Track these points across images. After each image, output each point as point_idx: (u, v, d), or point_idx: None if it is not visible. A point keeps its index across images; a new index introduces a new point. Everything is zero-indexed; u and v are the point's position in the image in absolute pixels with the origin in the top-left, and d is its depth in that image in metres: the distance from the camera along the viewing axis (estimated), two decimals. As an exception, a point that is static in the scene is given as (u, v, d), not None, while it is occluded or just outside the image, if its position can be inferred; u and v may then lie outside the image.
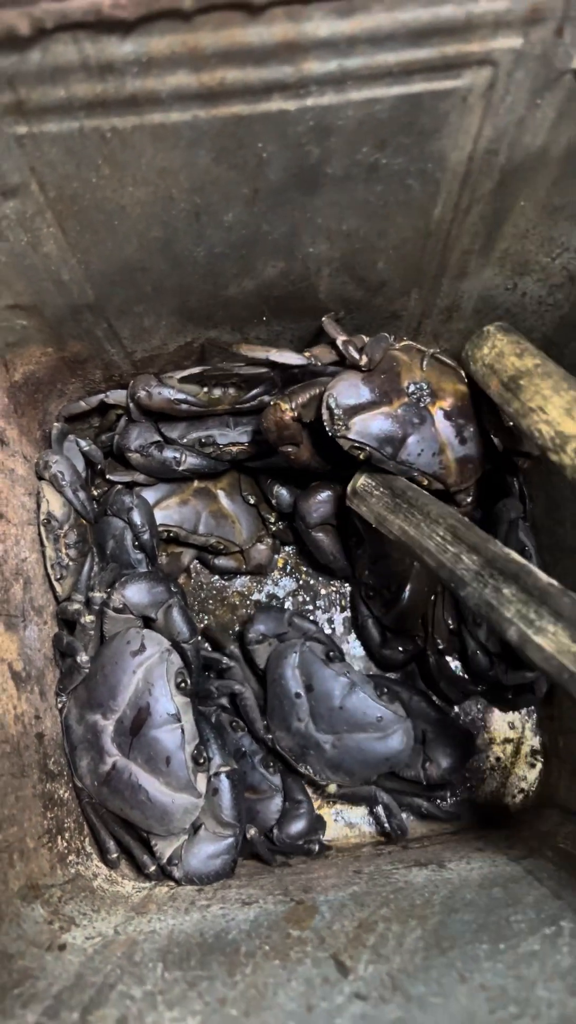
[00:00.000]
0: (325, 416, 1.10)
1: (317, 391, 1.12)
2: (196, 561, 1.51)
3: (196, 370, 1.26)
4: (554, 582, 0.83)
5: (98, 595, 1.25)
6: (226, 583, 1.53)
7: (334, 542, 1.40)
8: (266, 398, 1.29)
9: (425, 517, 1.03)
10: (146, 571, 1.33)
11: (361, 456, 1.12)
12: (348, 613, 1.51)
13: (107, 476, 1.40)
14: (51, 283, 0.97)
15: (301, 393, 1.12)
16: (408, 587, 1.33)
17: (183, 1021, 0.71)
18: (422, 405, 1.17)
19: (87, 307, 1.03)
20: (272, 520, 1.46)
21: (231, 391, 1.28)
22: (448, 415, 1.18)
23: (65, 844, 1.16)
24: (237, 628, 1.49)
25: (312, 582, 1.52)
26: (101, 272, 0.96)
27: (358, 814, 1.41)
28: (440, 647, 1.37)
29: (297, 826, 1.27)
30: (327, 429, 1.10)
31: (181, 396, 1.26)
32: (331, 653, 1.31)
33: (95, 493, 1.41)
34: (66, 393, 1.28)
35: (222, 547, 1.43)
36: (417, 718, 1.31)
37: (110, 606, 1.25)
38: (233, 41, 0.66)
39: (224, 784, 1.21)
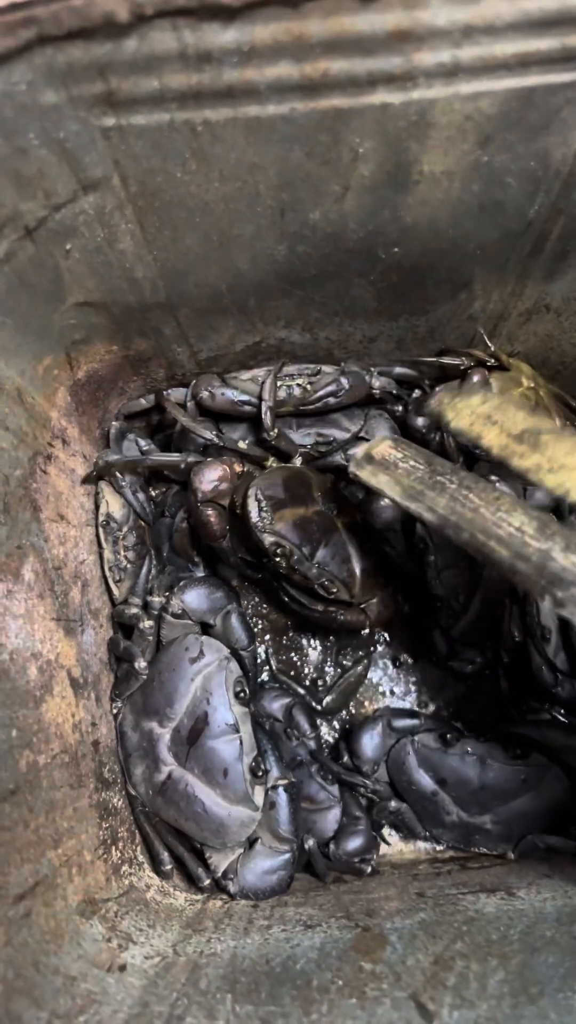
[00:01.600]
0: (251, 508, 1.12)
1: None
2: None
3: (261, 371, 1.23)
4: None
5: (157, 599, 1.22)
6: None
7: (399, 543, 1.36)
8: (332, 400, 1.24)
9: (487, 501, 0.83)
10: (205, 576, 1.30)
11: (279, 551, 1.13)
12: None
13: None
14: (124, 280, 0.93)
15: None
16: (476, 598, 1.29)
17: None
18: (330, 515, 1.24)
19: (158, 305, 0.99)
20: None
21: (296, 392, 1.23)
22: (349, 528, 1.26)
23: (119, 854, 1.14)
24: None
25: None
26: (176, 270, 0.92)
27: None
28: (505, 660, 1.32)
29: (355, 843, 1.23)
30: (251, 521, 1.13)
31: (245, 397, 1.22)
32: (447, 736, 1.26)
33: (154, 494, 1.37)
34: (127, 392, 1.25)
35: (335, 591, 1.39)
36: (561, 753, 1.26)
37: (169, 611, 1.22)
38: (342, 29, 0.62)
39: (282, 798, 1.18)
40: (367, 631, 1.33)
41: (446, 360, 1.22)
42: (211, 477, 1.15)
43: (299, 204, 0.82)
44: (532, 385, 1.23)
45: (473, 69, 0.67)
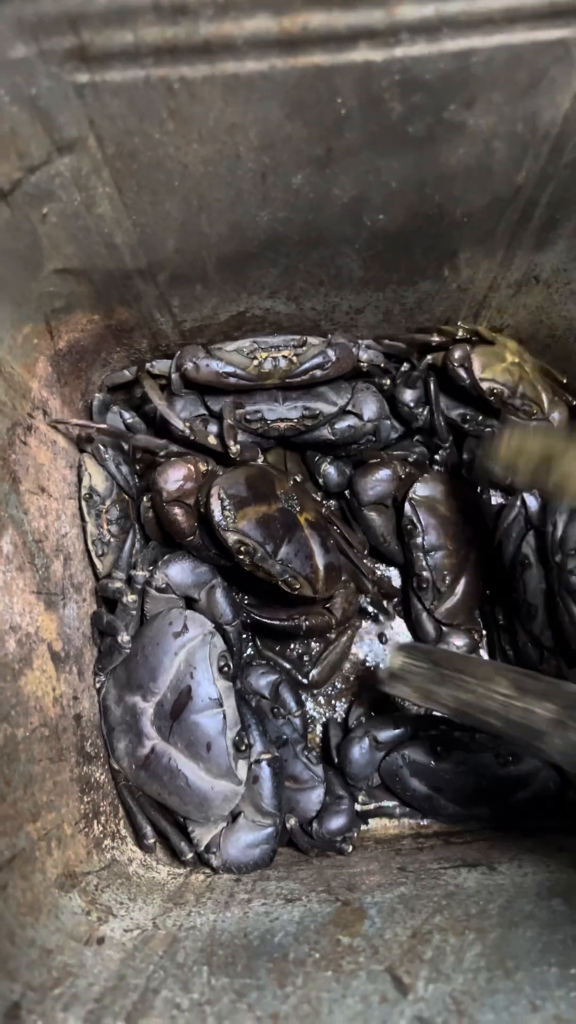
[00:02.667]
0: (215, 507, 1.12)
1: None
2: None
3: (246, 342, 1.21)
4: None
5: (140, 574, 1.21)
6: (267, 562, 1.48)
7: (387, 524, 1.35)
8: (318, 373, 1.23)
9: (479, 680, 0.95)
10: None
11: (242, 548, 1.13)
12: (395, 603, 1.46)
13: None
14: (103, 246, 0.91)
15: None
16: (463, 579, 1.28)
17: (235, 1039, 0.67)
18: (293, 512, 1.23)
19: (138, 272, 0.97)
20: (319, 499, 1.41)
21: (282, 364, 1.21)
22: (312, 525, 1.24)
23: (101, 828, 1.13)
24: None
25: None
26: (156, 235, 0.90)
27: (398, 803, 1.37)
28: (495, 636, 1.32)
29: (338, 822, 1.23)
30: (214, 520, 1.12)
31: (230, 369, 1.20)
32: (438, 749, 1.25)
33: (138, 468, 1.35)
34: (110, 363, 1.23)
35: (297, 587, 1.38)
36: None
37: (152, 585, 1.20)
38: (322, -20, 0.60)
39: (265, 772, 1.17)
40: (333, 632, 1.34)
41: (420, 337, 1.23)
42: (175, 477, 1.15)
43: (281, 167, 0.80)
44: (517, 360, 1.23)
45: (458, 24, 0.65)
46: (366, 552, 1.39)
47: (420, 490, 1.31)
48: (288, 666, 1.41)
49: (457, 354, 1.23)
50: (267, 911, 0.97)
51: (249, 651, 1.43)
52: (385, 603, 1.43)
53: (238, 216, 0.88)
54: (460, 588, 1.29)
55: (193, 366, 1.21)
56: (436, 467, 1.40)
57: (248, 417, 1.27)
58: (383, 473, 1.33)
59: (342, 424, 1.30)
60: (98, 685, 1.22)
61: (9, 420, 1.01)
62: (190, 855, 1.16)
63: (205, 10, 0.62)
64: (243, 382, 1.22)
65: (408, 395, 1.28)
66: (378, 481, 1.34)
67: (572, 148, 0.81)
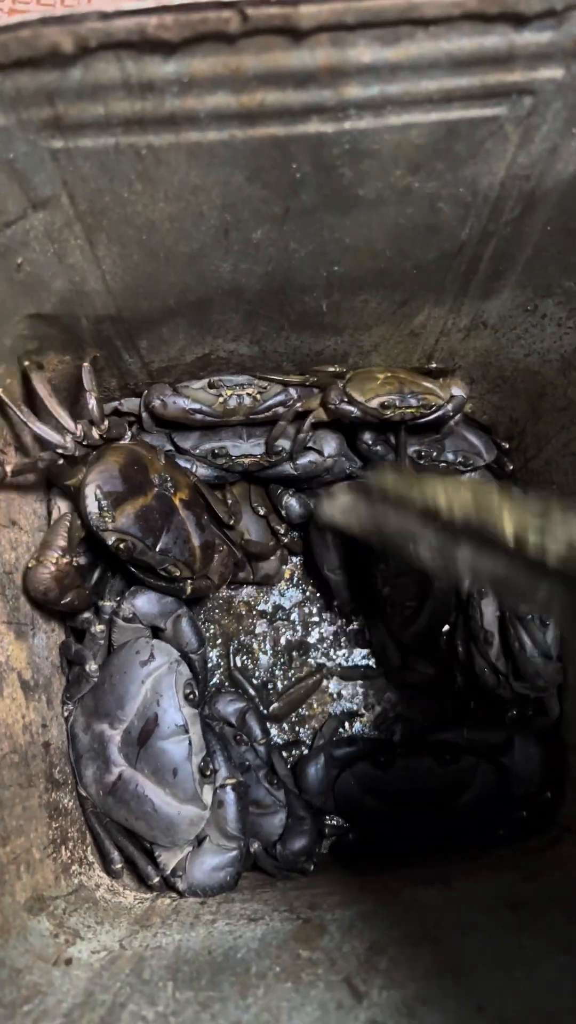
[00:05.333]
0: (91, 507, 1.09)
1: (66, 523, 1.16)
2: (203, 570, 1.51)
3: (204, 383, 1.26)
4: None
5: (108, 604, 1.25)
6: (232, 592, 1.52)
7: (341, 549, 1.40)
8: (280, 410, 1.28)
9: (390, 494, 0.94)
10: (156, 581, 1.33)
11: (121, 546, 1.12)
12: (355, 626, 1.51)
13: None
14: (74, 294, 0.96)
15: (57, 534, 1.14)
16: (426, 607, 1.33)
17: (198, 1045, 0.71)
18: (167, 496, 1.22)
19: (108, 317, 1.03)
20: (282, 531, 1.46)
21: (246, 401, 1.27)
22: (186, 505, 1.25)
23: (69, 854, 1.16)
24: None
25: (319, 593, 1.52)
26: (126, 284, 0.96)
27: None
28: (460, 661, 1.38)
29: (300, 842, 1.27)
30: (91, 523, 1.10)
31: (196, 406, 1.26)
32: (382, 759, 1.30)
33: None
34: (79, 400, 1.28)
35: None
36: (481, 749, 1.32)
37: (120, 615, 1.24)
38: (276, 64, 0.66)
39: (229, 796, 1.21)
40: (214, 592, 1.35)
41: (294, 379, 1.29)
42: (39, 588, 1.12)
43: (242, 224, 0.86)
44: (388, 374, 1.27)
45: (401, 103, 0.71)
46: (232, 521, 1.40)
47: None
48: (254, 694, 1.45)
49: (332, 394, 1.26)
50: (231, 930, 1.01)
51: (216, 679, 1.47)
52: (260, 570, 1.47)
53: (202, 267, 0.94)
54: (424, 617, 1.34)
55: (160, 403, 1.26)
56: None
57: (215, 452, 1.32)
58: (345, 499, 1.38)
59: (303, 460, 1.35)
60: (66, 713, 1.25)
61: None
62: (156, 879, 1.19)
63: (170, 87, 0.68)
64: (209, 418, 1.28)
65: (367, 434, 1.34)
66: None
67: (510, 209, 0.88)
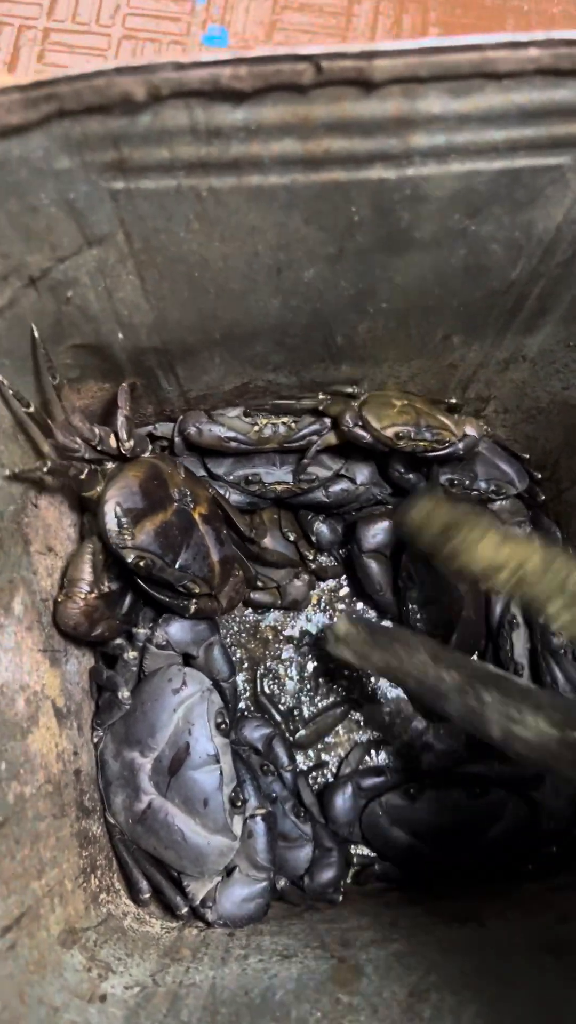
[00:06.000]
0: (111, 524, 1.08)
1: (89, 553, 1.15)
2: (231, 593, 1.51)
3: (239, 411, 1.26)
4: (531, 684, 0.94)
5: (142, 631, 1.25)
6: (259, 617, 1.52)
7: (384, 573, 1.40)
8: (315, 439, 1.28)
9: (404, 647, 1.07)
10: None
11: (141, 564, 1.11)
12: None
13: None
14: (121, 327, 0.96)
15: (82, 566, 1.14)
16: (455, 635, 1.33)
17: None
18: (187, 511, 1.20)
19: (152, 349, 1.03)
20: (311, 556, 1.46)
21: (281, 430, 1.27)
22: (206, 519, 1.23)
23: (97, 882, 1.15)
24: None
25: (367, 612, 1.52)
26: (172, 318, 0.96)
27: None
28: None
29: (328, 874, 1.26)
30: (111, 540, 1.08)
31: (231, 434, 1.25)
32: (411, 791, 1.29)
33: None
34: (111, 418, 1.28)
35: (260, 582, 1.43)
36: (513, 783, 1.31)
37: (153, 642, 1.24)
38: (345, 113, 0.66)
39: (259, 827, 1.20)
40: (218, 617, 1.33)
41: (307, 403, 1.26)
42: (69, 623, 1.13)
43: (295, 263, 0.86)
44: (406, 401, 1.25)
45: (465, 151, 0.71)
46: (254, 534, 1.38)
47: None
48: (280, 720, 1.44)
49: (348, 417, 1.23)
50: (264, 968, 1.00)
51: (243, 704, 1.46)
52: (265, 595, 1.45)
53: (251, 303, 0.94)
54: (452, 645, 1.34)
55: (196, 431, 1.25)
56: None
57: (248, 479, 1.32)
58: (385, 523, 1.39)
59: (336, 488, 1.35)
60: (95, 740, 1.24)
61: (24, 485, 1.04)
62: (185, 909, 1.18)
63: (237, 134, 0.68)
64: (243, 446, 1.28)
65: (399, 463, 1.33)
66: (380, 530, 1.39)
67: (563, 251, 0.88)
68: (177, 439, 1.29)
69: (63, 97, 0.62)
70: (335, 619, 1.35)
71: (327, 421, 1.28)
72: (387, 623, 1.47)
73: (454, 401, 1.29)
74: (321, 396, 1.26)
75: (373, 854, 1.36)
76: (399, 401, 1.25)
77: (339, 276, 0.89)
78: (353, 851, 1.36)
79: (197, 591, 1.20)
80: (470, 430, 1.30)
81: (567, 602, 0.82)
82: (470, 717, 0.92)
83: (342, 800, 1.32)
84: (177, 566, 1.16)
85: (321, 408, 1.27)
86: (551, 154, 0.72)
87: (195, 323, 0.97)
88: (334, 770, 1.45)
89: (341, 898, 1.26)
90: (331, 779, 1.44)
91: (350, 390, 1.25)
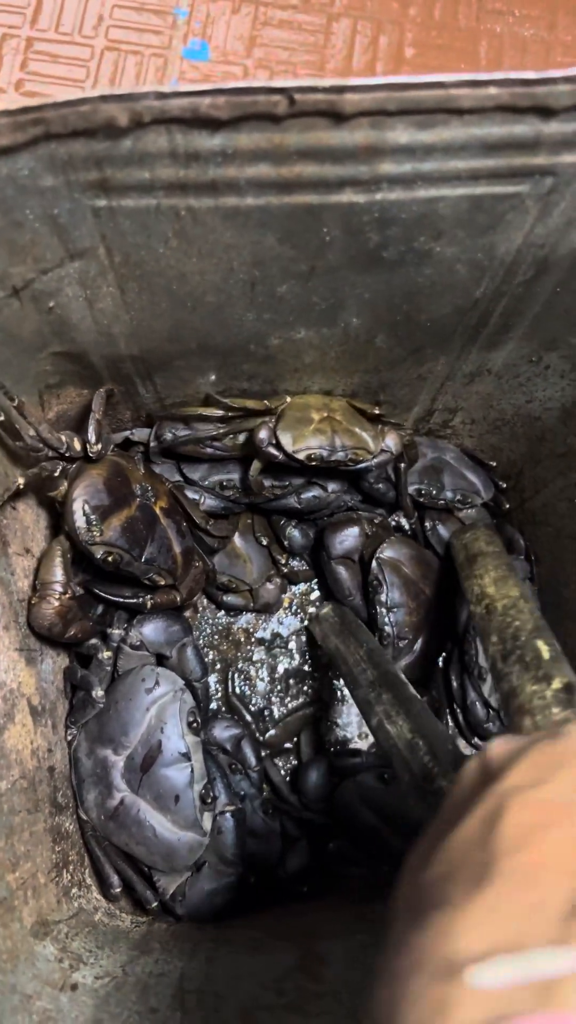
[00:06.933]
0: (79, 522, 1.10)
1: (58, 554, 1.16)
2: (203, 596, 1.54)
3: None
4: (416, 694, 1.12)
5: (116, 632, 1.27)
6: (232, 619, 1.55)
7: (352, 578, 1.44)
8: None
9: (355, 640, 1.29)
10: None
11: (110, 559, 1.13)
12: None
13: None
14: (100, 335, 0.99)
15: (53, 567, 1.15)
16: (421, 639, 1.37)
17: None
18: (149, 506, 1.23)
19: (131, 357, 1.06)
20: (283, 561, 1.49)
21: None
22: (166, 513, 1.26)
23: (69, 877, 1.18)
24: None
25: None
26: (150, 328, 0.99)
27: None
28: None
29: (297, 862, 1.30)
30: (80, 538, 1.10)
31: (210, 436, 1.28)
32: (385, 775, 1.33)
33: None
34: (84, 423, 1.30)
35: (233, 585, 1.46)
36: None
37: (127, 643, 1.27)
38: (317, 142, 0.70)
39: (229, 823, 1.24)
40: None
41: (205, 410, 1.24)
42: (43, 624, 1.14)
43: (269, 279, 0.90)
44: (325, 415, 1.24)
45: (431, 179, 0.75)
46: (210, 524, 1.39)
47: (387, 551, 1.41)
48: (250, 720, 1.48)
49: (262, 435, 1.22)
50: (233, 958, 1.03)
51: (214, 704, 1.49)
52: (227, 580, 1.48)
53: (226, 316, 0.97)
54: (418, 647, 1.38)
55: (172, 436, 1.29)
56: (401, 532, 1.50)
57: (223, 484, 1.35)
58: (352, 530, 1.42)
59: (307, 495, 1.39)
60: (69, 738, 1.27)
61: (2, 487, 1.07)
62: (155, 903, 1.21)
63: (215, 158, 0.72)
64: (219, 452, 1.31)
65: (371, 473, 1.37)
66: (347, 536, 1.43)
67: (523, 272, 0.92)
68: (153, 444, 1.32)
69: (50, 121, 0.65)
70: (322, 606, 1.47)
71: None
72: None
73: (377, 412, 1.28)
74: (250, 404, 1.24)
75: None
76: (317, 415, 1.24)
77: (311, 292, 0.93)
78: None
79: (162, 583, 1.23)
80: (390, 442, 1.30)
81: (498, 645, 0.98)
82: (364, 705, 1.12)
83: (316, 775, 1.36)
84: (143, 559, 1.18)
85: (235, 425, 1.25)
86: (511, 183, 0.77)
87: (172, 333, 1.00)
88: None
89: (305, 889, 1.29)
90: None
91: (265, 405, 1.24)
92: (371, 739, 1.47)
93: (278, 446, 1.22)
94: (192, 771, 1.19)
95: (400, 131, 0.69)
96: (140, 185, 0.75)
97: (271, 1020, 0.82)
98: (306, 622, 1.46)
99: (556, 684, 0.84)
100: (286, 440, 1.21)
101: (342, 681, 1.48)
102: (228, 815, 1.24)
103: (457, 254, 0.88)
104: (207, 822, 1.21)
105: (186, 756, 1.20)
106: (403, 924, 0.39)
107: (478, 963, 0.31)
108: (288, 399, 1.25)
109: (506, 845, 0.38)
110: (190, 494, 1.35)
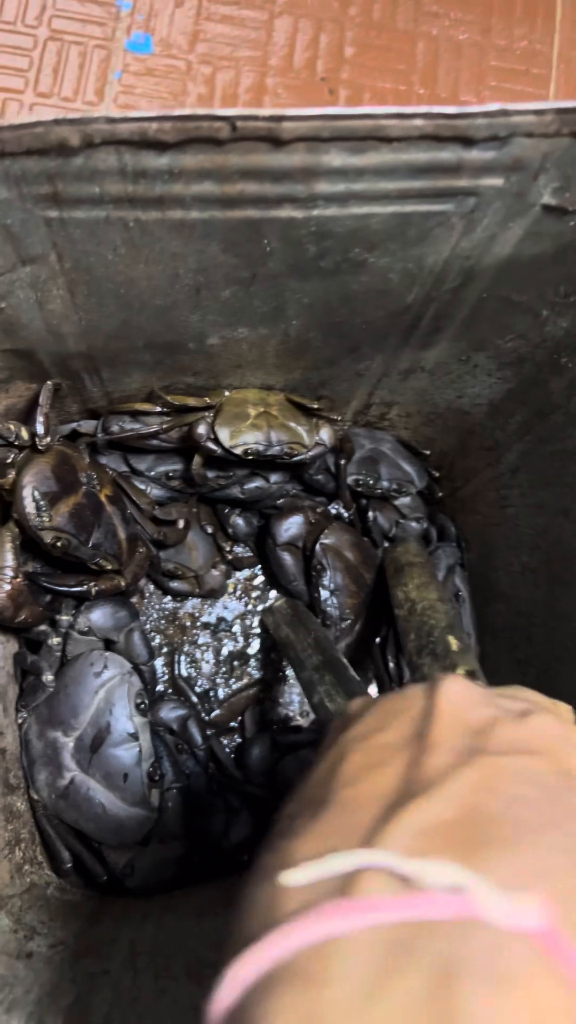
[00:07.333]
0: (29, 508, 1.12)
1: (8, 538, 1.18)
2: (150, 583, 1.59)
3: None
4: (356, 676, 1.18)
5: (65, 618, 1.32)
6: (178, 605, 1.60)
7: (297, 564, 1.50)
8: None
9: (304, 628, 1.34)
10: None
11: (58, 544, 1.16)
12: (293, 638, 1.61)
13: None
14: (50, 335, 1.03)
15: (2, 552, 1.17)
16: (360, 622, 1.44)
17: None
18: (95, 493, 1.28)
19: (79, 355, 1.10)
20: (228, 548, 1.55)
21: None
22: (111, 500, 1.31)
23: (21, 854, 1.23)
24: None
25: (259, 608, 1.62)
26: (100, 329, 1.03)
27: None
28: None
29: (242, 832, 1.36)
30: (29, 522, 1.13)
31: (152, 431, 1.33)
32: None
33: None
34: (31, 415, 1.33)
35: (179, 571, 1.51)
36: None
37: (76, 628, 1.31)
38: (257, 163, 0.75)
39: (176, 799, 1.30)
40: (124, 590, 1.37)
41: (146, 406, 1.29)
42: None
43: (213, 285, 0.95)
44: (261, 410, 1.29)
45: (363, 197, 0.81)
46: (155, 510, 1.43)
47: (329, 537, 1.47)
48: (196, 701, 1.53)
49: (201, 430, 1.27)
50: (178, 926, 1.09)
51: (160, 687, 1.55)
52: (173, 567, 1.53)
53: (172, 317, 1.02)
54: (358, 629, 1.45)
55: (119, 428, 1.33)
56: (340, 521, 1.57)
57: (169, 474, 1.40)
58: (297, 518, 1.49)
59: (250, 485, 1.45)
60: (20, 721, 1.31)
61: (-46, 480, 1.11)
62: (105, 877, 1.27)
63: (161, 175, 0.76)
64: (164, 444, 1.36)
65: (309, 466, 1.44)
66: (292, 524, 1.49)
67: (451, 280, 0.99)
68: (100, 436, 1.36)
69: (4, 141, 0.69)
70: (274, 598, 1.60)
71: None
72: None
73: (315, 406, 1.33)
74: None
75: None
76: (254, 410, 1.29)
77: (253, 297, 0.99)
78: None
79: (109, 567, 1.26)
80: (324, 436, 1.35)
81: (415, 641, 1.08)
82: (308, 685, 1.17)
83: (258, 752, 1.43)
84: (90, 544, 1.22)
85: (177, 420, 1.29)
86: (437, 202, 0.83)
87: (120, 333, 1.05)
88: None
89: (247, 858, 1.36)
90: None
91: (205, 402, 1.28)
92: (312, 717, 1.55)
93: (216, 441, 1.28)
94: (140, 750, 1.25)
95: (334, 155, 0.75)
96: (90, 199, 0.79)
97: (217, 975, 0.88)
98: (259, 611, 1.55)
99: (460, 672, 0.93)
100: (223, 435, 1.27)
101: (286, 664, 1.54)
102: (175, 791, 1.30)
103: (390, 264, 0.94)
104: (155, 798, 1.26)
105: (134, 736, 1.25)
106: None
107: (292, 868, 0.37)
108: (227, 394, 1.30)
109: (341, 782, 0.45)
110: (137, 484, 1.39)
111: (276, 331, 1.09)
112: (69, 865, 1.28)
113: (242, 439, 1.26)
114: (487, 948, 0.31)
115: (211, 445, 1.28)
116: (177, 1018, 0.80)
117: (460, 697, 0.52)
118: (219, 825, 1.38)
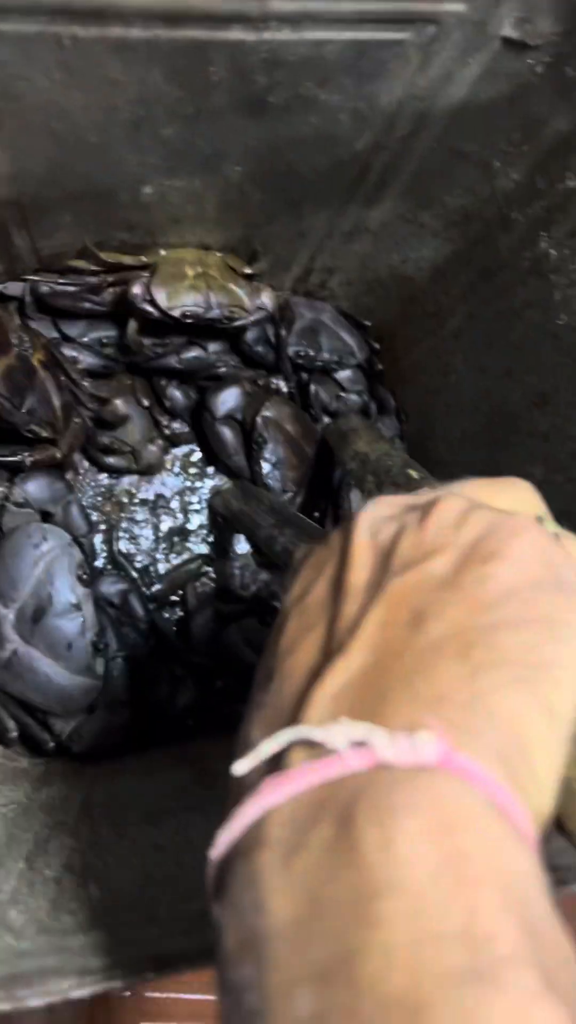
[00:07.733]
0: None
1: None
2: (84, 459, 1.55)
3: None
4: (316, 525, 1.27)
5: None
6: (114, 481, 1.57)
7: (236, 438, 1.47)
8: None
9: (256, 500, 1.38)
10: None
11: None
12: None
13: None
14: (-25, 177, 0.96)
15: None
16: (301, 495, 1.45)
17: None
18: (27, 356, 1.22)
19: (7, 202, 1.03)
20: (165, 423, 1.52)
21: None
22: (44, 366, 1.26)
23: (-34, 724, 1.22)
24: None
25: (198, 484, 1.60)
26: (30, 170, 0.96)
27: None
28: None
29: (187, 698, 1.39)
30: None
31: (87, 286, 1.26)
32: (267, 618, 1.44)
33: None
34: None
35: (115, 446, 1.48)
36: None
37: (11, 500, 1.28)
38: (206, -29, 0.69)
39: (120, 667, 1.31)
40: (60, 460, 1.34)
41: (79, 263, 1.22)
42: None
43: (154, 120, 0.89)
44: (200, 270, 1.24)
45: (317, 20, 0.76)
46: (86, 381, 1.38)
47: (270, 410, 1.45)
48: (136, 576, 1.53)
49: (136, 290, 1.21)
50: (130, 783, 1.12)
51: (100, 563, 1.53)
52: (109, 441, 1.49)
53: (108, 158, 0.95)
54: (299, 501, 1.46)
55: (49, 290, 1.26)
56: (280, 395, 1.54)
57: (103, 341, 1.35)
58: (234, 390, 1.45)
59: (189, 355, 1.40)
60: (-43, 596, 1.28)
61: None
62: (52, 744, 1.28)
63: (101, -19, 0.70)
64: (97, 308, 1.30)
65: (249, 335, 1.40)
66: (229, 396, 1.46)
67: (402, 126, 0.95)
68: (28, 299, 1.29)
69: None
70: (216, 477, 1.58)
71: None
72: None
73: (249, 271, 1.28)
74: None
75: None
76: (192, 270, 1.23)
77: (196, 136, 0.93)
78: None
79: (44, 435, 1.22)
80: (266, 299, 1.32)
81: (373, 481, 1.10)
82: (268, 541, 1.22)
83: (202, 621, 1.45)
84: (24, 409, 1.18)
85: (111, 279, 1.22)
86: (394, 29, 0.79)
87: (53, 176, 0.98)
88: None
89: (191, 723, 1.39)
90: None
91: (140, 260, 1.22)
92: (254, 589, 1.56)
93: (152, 303, 1.22)
94: (84, 620, 1.24)
95: (290, -35, 0.70)
96: (21, 7, 0.72)
97: (173, 821, 0.91)
98: (198, 489, 1.53)
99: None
100: (160, 297, 1.21)
101: (232, 538, 1.54)
102: (120, 660, 1.31)
103: (341, 103, 0.90)
104: (100, 667, 1.27)
105: (77, 607, 1.24)
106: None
107: (241, 759, 0.41)
108: (163, 253, 1.24)
109: (282, 650, 0.46)
110: (68, 351, 1.34)
111: (215, 179, 1.04)
112: (15, 735, 1.28)
113: (180, 301, 1.21)
114: (385, 785, 0.35)
115: (147, 307, 1.22)
116: (138, 856, 0.83)
117: (371, 521, 0.48)
118: (164, 692, 1.40)
